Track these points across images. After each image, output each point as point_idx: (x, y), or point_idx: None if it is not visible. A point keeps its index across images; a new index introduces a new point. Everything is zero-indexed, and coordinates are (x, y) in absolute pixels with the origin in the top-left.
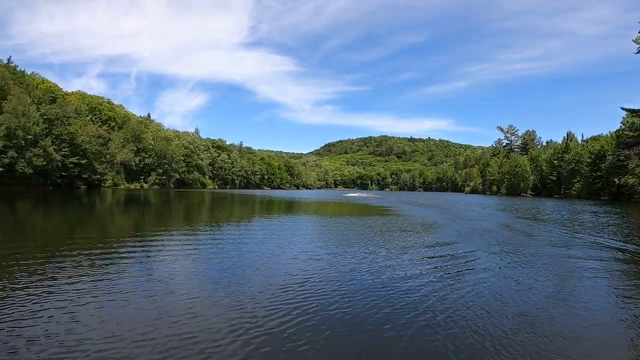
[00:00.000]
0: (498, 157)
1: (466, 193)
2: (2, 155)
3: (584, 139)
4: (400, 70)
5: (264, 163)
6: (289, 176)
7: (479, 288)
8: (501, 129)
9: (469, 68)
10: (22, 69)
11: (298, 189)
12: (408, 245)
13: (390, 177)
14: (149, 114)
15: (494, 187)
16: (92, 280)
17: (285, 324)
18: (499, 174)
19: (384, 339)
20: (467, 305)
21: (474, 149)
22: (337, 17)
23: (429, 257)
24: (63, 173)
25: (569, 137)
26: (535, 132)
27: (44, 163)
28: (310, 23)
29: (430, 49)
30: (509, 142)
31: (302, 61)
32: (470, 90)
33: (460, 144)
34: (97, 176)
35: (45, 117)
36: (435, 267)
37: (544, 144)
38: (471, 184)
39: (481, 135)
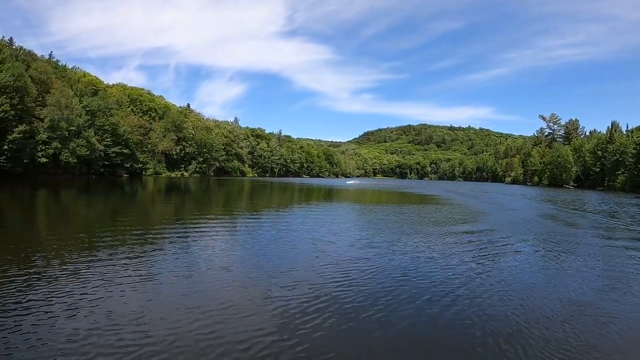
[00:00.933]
0: (540, 147)
1: (507, 183)
2: (47, 146)
3: (629, 129)
4: (439, 57)
5: (303, 151)
6: (328, 164)
7: (531, 275)
8: (543, 118)
9: (508, 55)
10: (64, 64)
11: (337, 177)
12: (456, 232)
13: (430, 166)
14: (188, 104)
15: (536, 177)
16: (133, 265)
17: (327, 312)
18: (540, 164)
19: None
20: (522, 291)
21: (515, 138)
22: (372, 4)
23: (478, 245)
24: (106, 162)
25: (614, 126)
26: (578, 121)
27: (87, 153)
28: (346, 11)
29: (468, 35)
30: (551, 131)
31: (338, 49)
32: (510, 77)
33: (500, 133)
34: (139, 165)
35: (87, 109)
36: (486, 255)
37: (587, 133)
38: (512, 174)
39: (522, 124)
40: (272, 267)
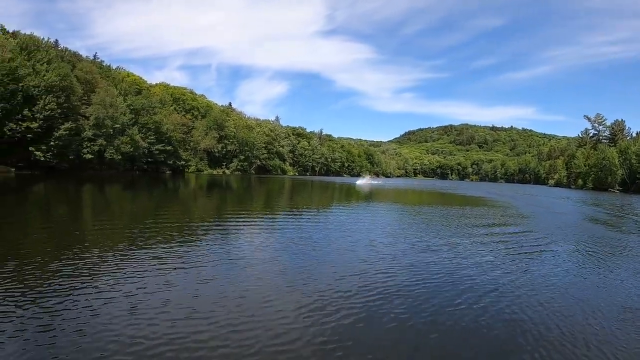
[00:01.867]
0: (584, 149)
1: (550, 186)
2: (92, 143)
3: None
4: (480, 55)
5: (344, 150)
6: (368, 164)
7: (582, 280)
8: (588, 118)
9: (551, 52)
10: (108, 64)
11: (378, 177)
12: (506, 234)
13: (471, 166)
14: (230, 103)
15: (580, 180)
16: (175, 259)
17: (365, 313)
18: (585, 166)
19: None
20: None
21: (559, 139)
22: (411, 2)
23: (524, 250)
24: (149, 159)
25: None
26: (624, 122)
27: (131, 150)
28: (385, 10)
29: (510, 32)
30: (596, 132)
31: (379, 48)
32: (553, 75)
33: (544, 134)
34: (182, 162)
35: (131, 107)
36: (539, 259)
37: (634, 135)
38: (555, 176)
39: (566, 124)
40: (313, 267)
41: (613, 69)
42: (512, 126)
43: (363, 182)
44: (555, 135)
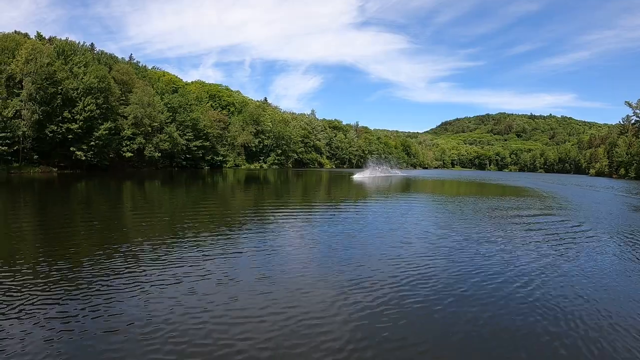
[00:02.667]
0: (626, 136)
1: (591, 175)
2: (132, 142)
3: None
4: (516, 42)
5: (381, 142)
6: (405, 155)
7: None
8: (629, 104)
9: (590, 36)
10: (144, 65)
11: (415, 168)
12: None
13: (510, 156)
14: (265, 98)
15: (622, 169)
16: (211, 251)
17: (407, 308)
18: (627, 155)
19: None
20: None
21: (599, 126)
22: None
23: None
24: (187, 155)
25: None
26: None
27: (170, 147)
28: None
29: (546, 17)
30: (638, 119)
31: (413, 38)
32: (592, 61)
33: (584, 121)
34: (219, 157)
35: (168, 105)
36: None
37: None
38: (596, 165)
39: (607, 111)
40: (353, 259)
41: None
42: (550, 114)
43: (362, 176)
44: (595, 123)
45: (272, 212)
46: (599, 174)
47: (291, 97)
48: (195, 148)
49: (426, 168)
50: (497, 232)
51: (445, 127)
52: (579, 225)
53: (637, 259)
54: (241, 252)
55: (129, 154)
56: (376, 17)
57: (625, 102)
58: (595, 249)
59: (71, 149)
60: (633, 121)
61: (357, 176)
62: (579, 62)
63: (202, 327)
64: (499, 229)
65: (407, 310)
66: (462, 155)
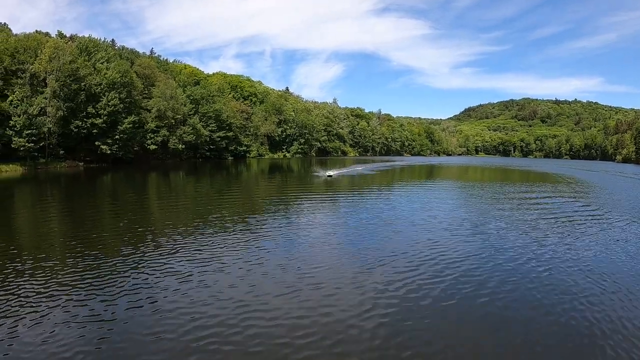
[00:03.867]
0: None
1: (617, 162)
2: (156, 134)
3: None
4: (540, 24)
5: (404, 130)
6: (429, 142)
7: None
8: None
9: (617, 17)
10: (165, 58)
11: (438, 155)
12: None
13: (534, 143)
14: (287, 87)
15: None
16: (234, 241)
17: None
18: None
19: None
20: None
21: (626, 111)
22: None
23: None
24: (211, 146)
25: None
26: None
27: (194, 138)
28: None
29: None
30: None
31: (434, 23)
32: (620, 43)
33: (610, 106)
34: (243, 147)
35: (191, 97)
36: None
37: None
38: (623, 152)
39: (634, 95)
40: (380, 247)
41: None
42: (576, 99)
43: (332, 173)
44: (622, 108)
45: (297, 199)
46: (626, 160)
47: (313, 85)
48: (219, 139)
49: (450, 155)
50: (525, 222)
51: (468, 114)
52: (608, 213)
53: None
54: (267, 240)
55: (154, 147)
56: (396, 3)
57: None
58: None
59: (96, 143)
60: None
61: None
62: (605, 44)
63: (234, 317)
64: (526, 219)
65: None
66: (486, 141)
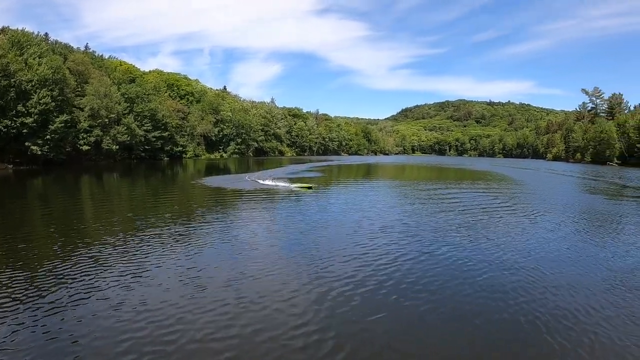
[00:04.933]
0: (582, 123)
1: (548, 160)
2: (88, 134)
3: None
4: (477, 30)
5: (341, 129)
6: (366, 142)
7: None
8: (586, 92)
9: (550, 25)
10: (100, 54)
11: (375, 154)
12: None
13: (469, 142)
14: (224, 86)
15: (578, 154)
16: (172, 242)
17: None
18: (583, 140)
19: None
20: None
21: (557, 113)
22: None
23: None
24: (146, 147)
25: None
26: (622, 95)
27: (128, 139)
28: None
29: (507, 6)
30: (594, 106)
31: (374, 25)
32: (552, 49)
33: (542, 108)
34: (179, 148)
35: (126, 96)
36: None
37: (632, 108)
38: (553, 150)
39: (564, 98)
40: (317, 247)
41: (611, 43)
42: (509, 101)
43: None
44: (553, 110)
45: (233, 202)
46: (556, 158)
47: (251, 85)
48: (154, 139)
49: (387, 154)
50: (458, 220)
51: (405, 114)
52: (540, 210)
53: (584, 236)
54: (204, 244)
55: (86, 147)
56: (337, 4)
57: (582, 89)
58: (551, 229)
59: (26, 143)
60: (589, 108)
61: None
62: (539, 50)
63: (167, 322)
64: (460, 217)
65: (369, 295)
66: (423, 141)
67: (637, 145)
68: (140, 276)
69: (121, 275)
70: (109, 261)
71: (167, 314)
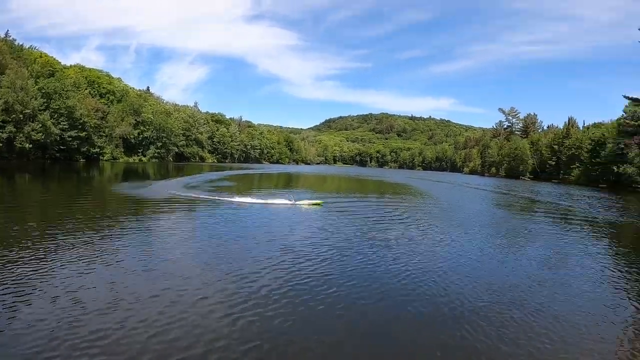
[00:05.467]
0: (498, 139)
1: (465, 174)
2: (1, 130)
3: (586, 125)
4: (404, 47)
5: (264, 137)
6: (288, 151)
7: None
8: (502, 111)
9: (474, 48)
10: (20, 43)
11: (297, 164)
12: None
13: (390, 154)
14: (148, 87)
15: (493, 168)
16: (85, 253)
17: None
18: (498, 155)
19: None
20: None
21: (475, 130)
22: None
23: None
24: (61, 147)
25: (570, 122)
26: (536, 115)
27: (43, 137)
28: None
29: (436, 27)
30: (509, 124)
31: (304, 35)
32: (474, 70)
33: (461, 125)
34: (96, 150)
35: (43, 90)
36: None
37: (545, 128)
38: (470, 164)
39: (483, 116)
40: (229, 259)
41: (530, 67)
42: (430, 116)
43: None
44: (471, 126)
45: (149, 209)
46: (472, 172)
47: (176, 87)
48: (70, 139)
49: (309, 164)
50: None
51: (329, 125)
52: (448, 222)
53: (493, 248)
54: (118, 254)
55: None
56: (269, 11)
57: (499, 108)
58: (464, 241)
59: None
60: (505, 126)
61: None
62: (461, 70)
63: (80, 332)
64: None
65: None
66: (345, 152)
67: (549, 162)
68: (33, 297)
69: (30, 286)
70: (12, 270)
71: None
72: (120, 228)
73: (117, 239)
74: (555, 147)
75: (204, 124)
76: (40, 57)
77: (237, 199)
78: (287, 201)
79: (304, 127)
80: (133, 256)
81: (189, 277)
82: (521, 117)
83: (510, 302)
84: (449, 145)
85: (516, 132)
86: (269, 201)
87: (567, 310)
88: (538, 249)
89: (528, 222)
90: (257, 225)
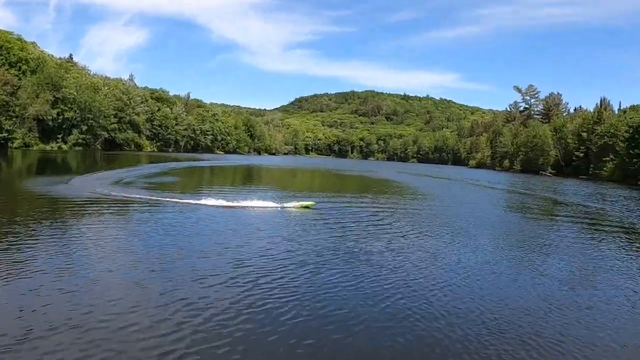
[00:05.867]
0: (513, 125)
1: (471, 167)
2: None
3: (622, 108)
4: (397, 8)
5: (217, 120)
6: (248, 138)
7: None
8: (518, 89)
9: (483, 10)
10: None
11: (259, 154)
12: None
13: (377, 143)
14: (70, 55)
15: (506, 161)
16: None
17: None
18: (513, 145)
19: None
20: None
21: (483, 112)
22: None
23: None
24: None
25: (603, 104)
26: (561, 96)
27: None
28: None
29: None
30: (527, 106)
31: None
32: (482, 37)
33: (466, 106)
34: (3, 134)
35: None
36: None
37: (571, 111)
38: (477, 156)
39: (493, 95)
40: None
41: (553, 35)
42: (428, 95)
43: None
44: (479, 108)
45: (73, 213)
46: (480, 165)
47: (106, 55)
48: None
49: (274, 154)
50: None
51: (299, 105)
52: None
53: (509, 270)
54: (37, 264)
55: None
56: None
57: (514, 86)
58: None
59: None
60: (521, 108)
61: None
62: (466, 38)
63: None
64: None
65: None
66: (319, 139)
67: (575, 153)
68: None
69: None
70: None
71: None
72: (32, 236)
73: (27, 250)
74: (584, 134)
75: (142, 102)
76: None
77: (182, 199)
78: (249, 203)
79: (269, 108)
80: (46, 272)
81: (117, 300)
82: (541, 97)
83: (523, 332)
84: (451, 131)
85: (535, 116)
86: (229, 203)
87: (594, 342)
88: (560, 264)
89: (548, 229)
90: (205, 233)
